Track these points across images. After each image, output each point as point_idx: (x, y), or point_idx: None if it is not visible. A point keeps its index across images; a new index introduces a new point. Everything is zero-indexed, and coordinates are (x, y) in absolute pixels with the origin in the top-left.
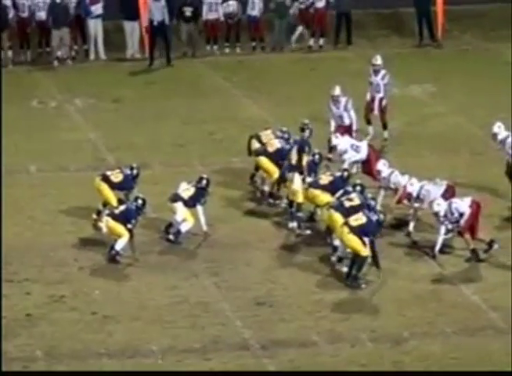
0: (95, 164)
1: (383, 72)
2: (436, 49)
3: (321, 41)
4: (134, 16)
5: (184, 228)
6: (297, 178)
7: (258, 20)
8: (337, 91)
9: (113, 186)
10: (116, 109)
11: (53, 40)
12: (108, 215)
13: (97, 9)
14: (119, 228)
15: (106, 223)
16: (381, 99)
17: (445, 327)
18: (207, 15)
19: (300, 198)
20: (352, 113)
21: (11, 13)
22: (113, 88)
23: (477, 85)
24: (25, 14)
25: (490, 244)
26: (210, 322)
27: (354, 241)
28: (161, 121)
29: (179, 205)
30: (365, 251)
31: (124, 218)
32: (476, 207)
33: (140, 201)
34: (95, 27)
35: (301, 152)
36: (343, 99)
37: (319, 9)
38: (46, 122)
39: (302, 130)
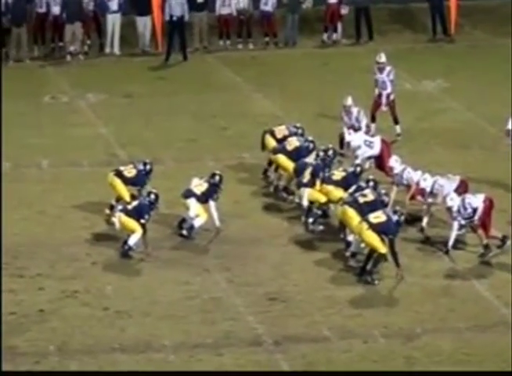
0: (106, 160)
1: (388, 69)
2: (448, 44)
3: (334, 36)
4: (146, 11)
5: (197, 223)
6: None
7: (271, 16)
8: (349, 101)
9: (127, 181)
10: (128, 104)
11: (66, 35)
12: (121, 210)
13: (113, 4)
14: (132, 223)
15: (119, 219)
16: (388, 95)
17: (456, 323)
18: (221, 9)
19: (322, 198)
20: (363, 124)
21: (29, 9)
22: (125, 83)
23: (489, 81)
24: (43, 9)
25: (503, 239)
26: (222, 317)
27: (372, 238)
28: (173, 117)
29: (192, 201)
30: (383, 249)
31: (137, 214)
32: (489, 203)
33: (153, 196)
34: (113, 22)
35: (314, 176)
36: (355, 110)
37: (331, 4)
38: (58, 117)
39: (318, 155)
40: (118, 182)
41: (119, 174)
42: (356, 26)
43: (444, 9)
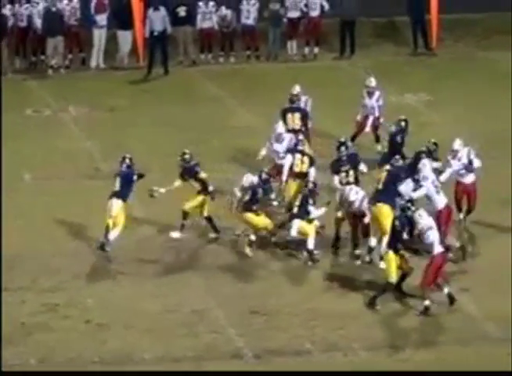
0: (89, 173)
1: (377, 94)
2: (430, 58)
3: (316, 50)
4: (127, 25)
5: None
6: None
7: (253, 29)
8: (297, 89)
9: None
10: (110, 117)
11: (48, 48)
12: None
13: (102, 19)
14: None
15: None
16: (377, 119)
17: (439, 336)
18: (202, 23)
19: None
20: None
21: (10, 22)
22: (107, 96)
23: (472, 94)
24: (23, 23)
25: (462, 249)
26: (203, 330)
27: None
28: (156, 130)
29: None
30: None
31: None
32: (448, 211)
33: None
34: (99, 36)
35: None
36: (303, 98)
37: (313, 17)
38: (41, 130)
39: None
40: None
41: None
42: (341, 40)
43: (425, 22)
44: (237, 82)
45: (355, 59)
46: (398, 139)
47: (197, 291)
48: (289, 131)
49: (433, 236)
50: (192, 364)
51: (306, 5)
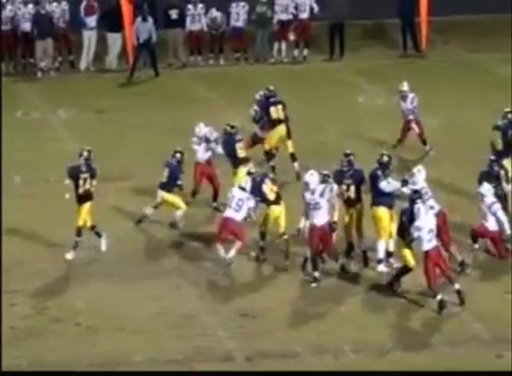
0: None
1: (411, 96)
2: (420, 60)
3: (305, 52)
4: (117, 28)
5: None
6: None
7: (242, 31)
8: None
9: None
10: (100, 119)
11: (37, 51)
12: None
13: (91, 21)
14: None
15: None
16: (417, 121)
17: (429, 338)
18: (191, 25)
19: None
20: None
21: None
22: (96, 98)
23: (461, 96)
24: (7, 27)
25: (461, 264)
26: (193, 333)
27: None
28: (145, 132)
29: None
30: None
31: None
32: (442, 217)
33: (178, 155)
34: (89, 38)
35: None
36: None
37: (303, 19)
38: (30, 133)
39: None
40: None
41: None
42: (330, 42)
43: (415, 25)
44: (227, 84)
45: (345, 62)
46: (510, 132)
47: (187, 294)
48: (274, 122)
49: (417, 234)
50: (183, 367)
51: (296, 8)
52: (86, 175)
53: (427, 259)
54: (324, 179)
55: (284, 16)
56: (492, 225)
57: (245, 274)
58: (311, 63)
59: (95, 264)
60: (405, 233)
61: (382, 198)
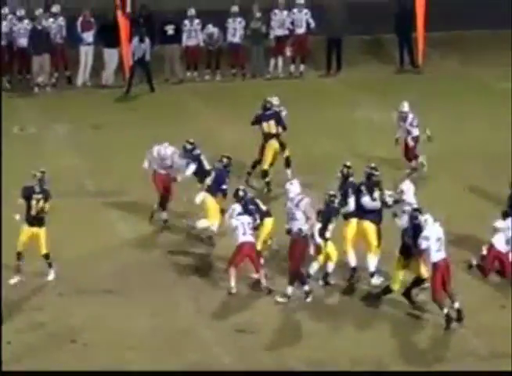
0: (75, 190)
1: (411, 117)
2: (416, 75)
3: (302, 68)
4: (114, 43)
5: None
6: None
7: (239, 47)
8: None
9: None
10: (96, 135)
11: (33, 66)
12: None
13: (88, 36)
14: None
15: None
16: (416, 138)
17: (427, 353)
18: (187, 41)
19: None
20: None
21: None
22: (93, 114)
23: (458, 111)
24: (3, 42)
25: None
26: (190, 349)
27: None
28: (141, 147)
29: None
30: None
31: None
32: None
33: (225, 160)
34: (86, 54)
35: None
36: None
37: (299, 35)
38: (26, 148)
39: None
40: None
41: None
42: (328, 57)
43: (411, 40)
44: (223, 100)
45: (342, 77)
46: None
47: (184, 309)
48: (267, 136)
49: (425, 244)
50: None
51: (292, 23)
52: (39, 197)
53: (436, 270)
54: (330, 200)
55: (280, 32)
56: (501, 245)
57: (241, 290)
58: (308, 79)
59: (91, 279)
60: (409, 250)
61: (367, 213)
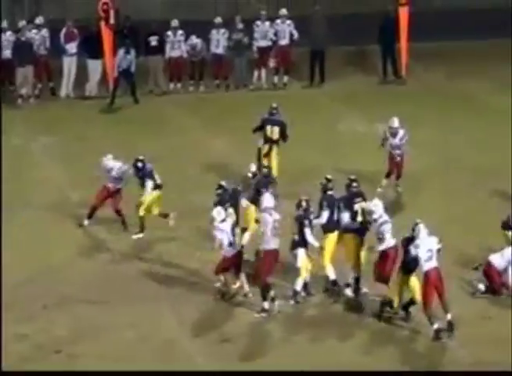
0: (59, 202)
1: (401, 133)
2: (400, 86)
3: (285, 79)
4: (97, 54)
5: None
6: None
7: (222, 58)
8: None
9: None
10: (80, 146)
11: (18, 78)
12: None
13: (72, 47)
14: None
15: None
16: (401, 156)
17: (412, 364)
18: (171, 52)
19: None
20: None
21: None
22: (77, 125)
23: (442, 123)
24: None
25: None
26: (174, 359)
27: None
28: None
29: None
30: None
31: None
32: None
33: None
34: (69, 65)
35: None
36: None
37: (282, 46)
38: (10, 160)
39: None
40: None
41: None
42: (311, 68)
43: (395, 51)
44: (207, 111)
45: (325, 88)
46: None
47: (167, 320)
48: (265, 139)
49: (414, 251)
50: None
51: (276, 34)
52: None
53: (426, 281)
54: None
55: (263, 43)
56: (498, 262)
57: (224, 301)
58: (291, 90)
59: (75, 290)
60: (407, 265)
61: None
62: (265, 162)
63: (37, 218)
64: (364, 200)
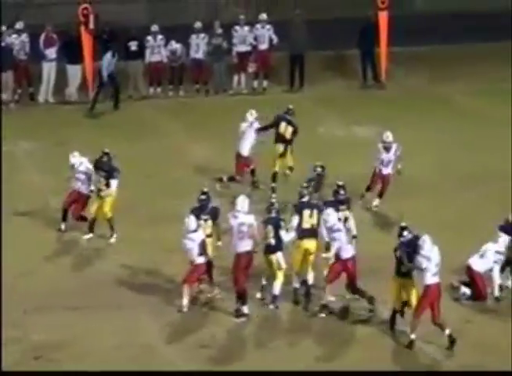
0: (39, 207)
1: (394, 147)
2: (380, 91)
3: (265, 84)
4: (77, 59)
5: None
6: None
7: (202, 63)
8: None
9: None
10: (60, 152)
11: (2, 83)
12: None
13: (51, 52)
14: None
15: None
16: (389, 174)
17: (392, 366)
18: (150, 57)
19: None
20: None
21: None
22: (57, 131)
23: (422, 127)
24: None
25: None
26: (153, 364)
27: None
28: None
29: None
30: None
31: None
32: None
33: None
34: (49, 70)
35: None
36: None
37: (262, 50)
38: None
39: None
40: None
41: None
42: (290, 73)
43: (374, 55)
44: (187, 116)
45: (305, 92)
46: None
47: (146, 325)
48: (278, 138)
49: (426, 264)
50: None
51: (255, 39)
52: None
53: (425, 295)
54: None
55: (243, 48)
56: (480, 267)
57: (206, 305)
58: (271, 94)
59: (55, 296)
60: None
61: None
62: (278, 162)
63: (16, 223)
64: (349, 208)
